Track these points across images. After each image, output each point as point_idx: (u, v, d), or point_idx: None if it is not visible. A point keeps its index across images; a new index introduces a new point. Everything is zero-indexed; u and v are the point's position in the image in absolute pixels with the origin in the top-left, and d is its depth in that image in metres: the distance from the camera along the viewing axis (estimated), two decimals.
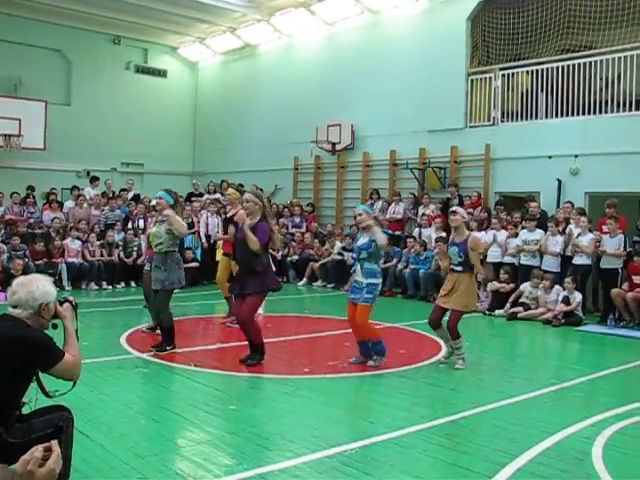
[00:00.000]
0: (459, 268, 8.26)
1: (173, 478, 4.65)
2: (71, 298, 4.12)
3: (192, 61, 24.28)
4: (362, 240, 8.07)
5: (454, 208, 8.69)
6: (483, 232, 13.84)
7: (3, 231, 15.18)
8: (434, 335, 9.16)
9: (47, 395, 3.99)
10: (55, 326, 3.98)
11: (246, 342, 8.14)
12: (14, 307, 3.80)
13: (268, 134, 20.77)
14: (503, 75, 15.51)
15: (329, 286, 16.20)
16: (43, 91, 19.97)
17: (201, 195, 18.90)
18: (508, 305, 12.50)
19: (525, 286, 12.55)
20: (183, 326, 10.34)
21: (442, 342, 8.93)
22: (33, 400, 3.90)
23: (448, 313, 8.32)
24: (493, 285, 12.88)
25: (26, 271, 13.35)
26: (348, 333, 8.78)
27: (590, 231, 12.41)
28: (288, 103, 20.19)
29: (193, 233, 15.93)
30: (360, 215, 8.16)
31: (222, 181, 19.15)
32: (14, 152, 18.81)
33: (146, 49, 23.35)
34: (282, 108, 20.41)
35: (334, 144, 18.43)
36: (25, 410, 3.88)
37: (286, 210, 18.41)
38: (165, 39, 23.04)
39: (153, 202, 8.95)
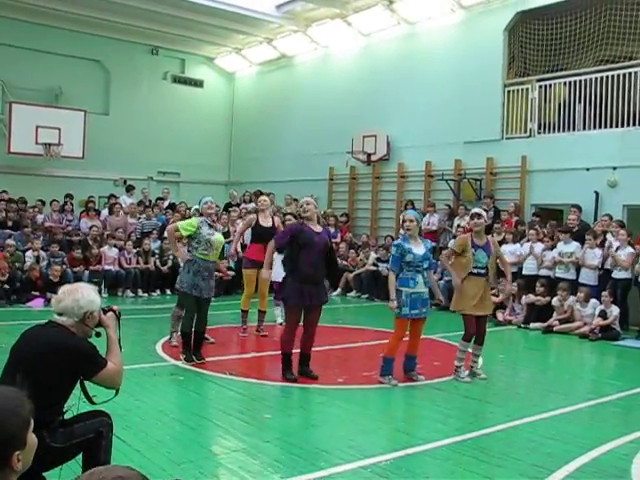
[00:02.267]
0: (483, 271, 8.22)
1: None
2: (115, 307, 4.18)
3: (229, 71, 24.49)
4: (420, 249, 7.78)
5: (477, 210, 8.44)
6: (518, 244, 13.76)
7: (42, 238, 15.42)
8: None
9: (91, 401, 4.05)
10: (98, 334, 4.05)
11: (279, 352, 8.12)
12: (60, 314, 3.87)
13: (303, 144, 20.86)
14: (540, 86, 15.42)
15: (363, 297, 16.19)
16: (82, 101, 20.31)
17: (238, 205, 19.02)
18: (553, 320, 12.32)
19: (555, 300, 12.46)
20: (217, 335, 10.41)
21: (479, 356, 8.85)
22: (75, 406, 3.97)
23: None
24: (528, 298, 12.78)
25: (64, 278, 13.57)
26: (382, 344, 8.76)
27: (629, 244, 12.26)
28: (324, 113, 20.26)
29: (229, 242, 16.01)
30: (412, 222, 7.85)
31: (257, 190, 19.26)
32: (54, 160, 19.15)
33: (183, 59, 23.62)
34: (317, 118, 20.48)
35: (369, 155, 18.45)
36: (67, 415, 3.95)
37: (322, 220, 18.43)
38: (202, 50, 23.28)
39: (201, 206, 8.86)
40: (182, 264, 8.87)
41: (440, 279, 14.70)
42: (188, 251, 8.84)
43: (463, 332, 8.32)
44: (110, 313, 4.10)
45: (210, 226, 8.62)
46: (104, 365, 3.83)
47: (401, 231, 10.69)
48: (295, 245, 7.79)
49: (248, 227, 10.78)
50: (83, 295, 3.89)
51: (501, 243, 14.05)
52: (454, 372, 8.28)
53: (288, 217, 11.24)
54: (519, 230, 14.21)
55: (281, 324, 10.93)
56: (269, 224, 10.56)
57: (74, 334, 3.83)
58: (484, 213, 8.55)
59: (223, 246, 9.05)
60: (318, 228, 7.99)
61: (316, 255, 7.77)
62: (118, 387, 3.97)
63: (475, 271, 8.18)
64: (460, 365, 8.29)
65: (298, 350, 8.06)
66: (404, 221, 8.05)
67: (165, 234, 9.15)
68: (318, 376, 7.93)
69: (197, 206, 10.09)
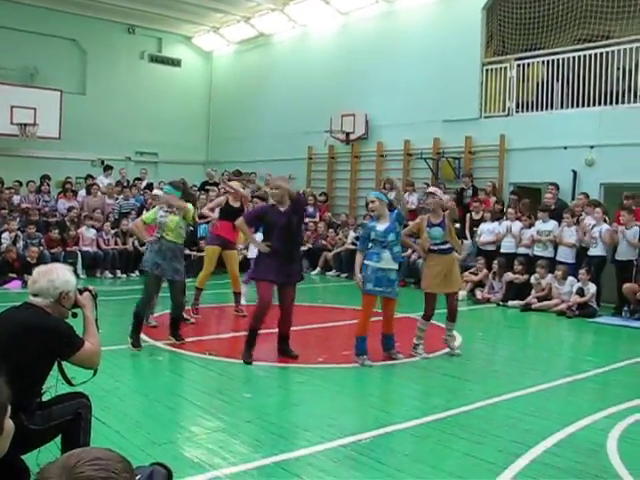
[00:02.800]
0: (446, 247, 8.33)
1: (190, 466, 4.67)
2: (91, 287, 4.15)
3: (206, 50, 24.27)
4: (383, 224, 7.75)
5: (432, 189, 8.72)
6: (496, 222, 13.80)
7: (19, 219, 15.25)
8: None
9: (69, 383, 4.02)
10: (75, 315, 4.01)
11: (262, 331, 8.09)
12: (35, 295, 3.83)
13: (282, 124, 20.76)
14: (518, 65, 15.41)
15: (342, 275, 16.20)
16: (58, 80, 20.01)
17: (216, 184, 18.90)
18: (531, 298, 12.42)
19: (533, 278, 12.54)
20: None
21: (455, 335, 8.90)
22: (53, 387, 3.93)
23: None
24: (507, 276, 12.85)
25: (41, 259, 13.44)
26: None
27: (605, 222, 12.35)
28: (302, 93, 20.15)
29: (207, 222, 15.94)
30: (373, 202, 7.85)
31: (236, 170, 19.16)
32: (30, 141, 18.89)
33: (160, 38, 23.37)
34: (296, 98, 20.38)
35: (348, 134, 18.40)
36: (45, 397, 3.91)
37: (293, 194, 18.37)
38: (179, 28, 23.04)
39: (157, 192, 8.93)
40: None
41: (419, 258, 14.70)
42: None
43: (424, 310, 8.38)
44: (86, 293, 4.06)
45: (165, 212, 8.56)
46: (81, 345, 3.80)
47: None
48: (265, 225, 7.90)
49: (218, 206, 10.81)
50: (58, 275, 3.85)
51: (480, 222, 14.14)
52: (412, 349, 8.31)
53: (255, 200, 11.21)
54: (497, 209, 14.25)
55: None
56: (237, 205, 10.60)
57: (50, 315, 3.79)
58: (438, 192, 8.69)
59: (193, 227, 9.02)
60: (284, 208, 7.85)
61: (286, 234, 7.74)
62: (96, 367, 3.94)
63: (435, 247, 8.31)
64: (418, 343, 8.33)
65: (276, 330, 8.05)
66: (367, 203, 8.08)
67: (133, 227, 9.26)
68: (298, 355, 7.93)
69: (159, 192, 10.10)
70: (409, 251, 15.03)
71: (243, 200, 10.65)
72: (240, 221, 8.13)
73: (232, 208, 10.46)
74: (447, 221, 8.44)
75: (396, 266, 7.88)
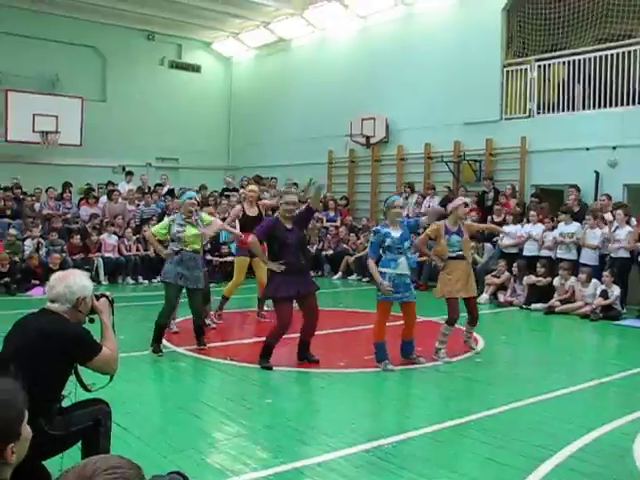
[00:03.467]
0: (462, 253, 8.39)
1: (211, 472, 4.68)
2: (108, 293, 4.17)
3: (226, 56, 24.35)
4: (397, 231, 7.77)
5: (467, 201, 8.94)
6: (519, 225, 13.72)
7: (41, 226, 15.38)
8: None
9: (85, 389, 4.04)
10: (92, 320, 4.04)
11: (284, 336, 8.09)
12: (52, 301, 3.86)
13: (302, 128, 20.78)
14: (539, 66, 15.31)
15: (364, 280, 16.16)
16: (79, 88, 20.16)
17: (236, 190, 18.95)
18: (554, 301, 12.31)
19: (556, 280, 12.44)
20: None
21: (474, 335, 8.88)
22: (72, 393, 3.95)
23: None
24: (529, 279, 12.76)
25: (64, 266, 13.54)
26: None
27: (627, 224, 12.22)
28: (322, 97, 20.17)
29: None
30: (402, 208, 8.03)
31: (256, 175, 19.23)
32: (51, 149, 19.06)
33: (180, 45, 23.47)
34: (316, 102, 20.39)
35: (368, 138, 18.38)
36: (65, 403, 3.93)
37: (320, 204, 18.40)
38: (199, 34, 23.13)
39: (183, 200, 8.80)
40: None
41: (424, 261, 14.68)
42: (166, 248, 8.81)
43: (447, 316, 8.35)
44: (103, 299, 4.08)
45: (181, 224, 8.52)
46: (99, 350, 3.81)
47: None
48: (274, 239, 7.78)
49: (236, 218, 10.74)
50: (75, 281, 3.87)
51: (501, 224, 14.05)
52: (434, 353, 8.29)
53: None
54: (517, 211, 14.16)
55: None
56: (255, 213, 10.63)
57: (67, 320, 3.81)
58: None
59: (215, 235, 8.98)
60: (289, 224, 7.81)
61: (296, 250, 7.77)
62: (113, 373, 3.95)
63: (454, 254, 8.34)
64: (440, 348, 8.31)
65: (297, 335, 8.04)
66: (394, 207, 7.96)
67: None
68: (319, 360, 7.91)
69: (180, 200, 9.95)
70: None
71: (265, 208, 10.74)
72: (253, 240, 7.94)
73: (250, 217, 10.51)
74: (465, 230, 8.51)
75: (410, 271, 7.95)
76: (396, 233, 7.77)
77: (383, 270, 7.74)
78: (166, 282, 8.48)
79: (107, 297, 4.13)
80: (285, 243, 7.68)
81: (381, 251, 7.81)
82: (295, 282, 7.66)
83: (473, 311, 8.53)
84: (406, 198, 16.48)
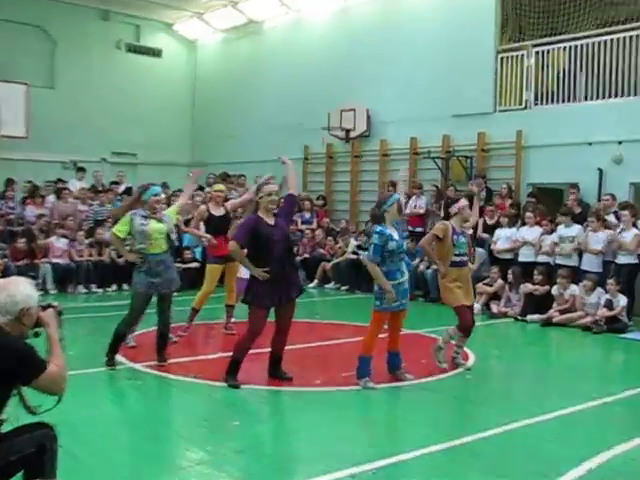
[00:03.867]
0: (466, 258, 8.53)
1: None
2: (55, 303, 4.10)
3: (190, 39, 24.28)
4: (395, 232, 7.75)
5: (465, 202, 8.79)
6: (514, 228, 13.78)
7: None
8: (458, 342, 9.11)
9: (30, 411, 3.97)
10: (37, 334, 3.96)
11: (252, 351, 8.04)
12: None
13: (275, 120, 20.74)
14: (537, 52, 15.40)
15: (343, 288, 16.17)
16: (24, 73, 19.90)
17: (201, 189, 18.88)
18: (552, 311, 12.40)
19: (555, 289, 12.50)
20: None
21: (464, 348, 8.91)
22: (14, 417, 3.88)
23: None
24: (526, 287, 12.81)
25: (6, 272, 13.37)
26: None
27: (634, 226, 12.29)
28: (297, 86, 20.17)
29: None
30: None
31: (223, 172, 19.16)
32: None
33: (138, 26, 23.35)
34: (290, 92, 20.38)
35: (348, 131, 18.39)
36: (4, 428, 3.86)
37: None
38: (159, 14, 23.03)
39: (148, 196, 8.71)
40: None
41: (428, 267, 14.69)
42: (130, 250, 8.72)
43: (459, 323, 8.41)
44: (50, 310, 4.01)
45: (145, 217, 8.43)
46: (45, 368, 3.75)
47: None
48: (255, 241, 7.61)
49: (201, 220, 10.68)
50: (19, 290, 3.81)
51: (494, 227, 14.11)
52: (435, 350, 8.53)
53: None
54: (512, 212, 14.20)
55: None
56: (222, 212, 10.58)
57: (8, 334, 3.74)
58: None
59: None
60: (272, 220, 7.73)
61: (277, 249, 7.59)
62: (61, 394, 3.89)
63: (458, 259, 8.43)
64: (443, 347, 8.51)
65: (267, 350, 8.01)
66: (400, 206, 7.97)
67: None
68: (292, 377, 7.88)
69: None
70: (417, 260, 15.03)
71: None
72: (233, 246, 7.71)
73: (216, 218, 10.48)
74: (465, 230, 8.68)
75: (407, 276, 7.99)
76: (396, 235, 7.76)
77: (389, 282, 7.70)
78: (136, 292, 8.43)
79: (55, 308, 4.06)
80: (270, 240, 7.53)
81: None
82: (278, 289, 7.58)
83: (470, 319, 8.59)
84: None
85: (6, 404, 3.81)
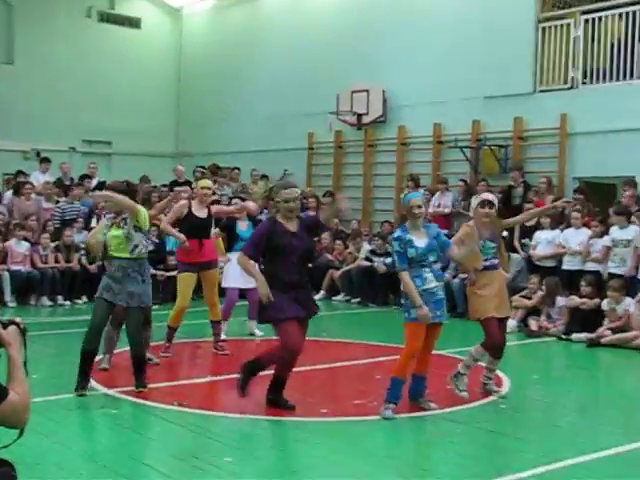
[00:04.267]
0: (496, 261, 8.55)
1: None
2: (18, 320, 4.08)
3: (174, 7, 24.36)
4: (422, 240, 7.78)
5: (491, 198, 8.72)
6: (558, 230, 13.74)
7: None
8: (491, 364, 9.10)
9: None
10: None
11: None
12: None
13: (274, 104, 20.76)
14: (586, 21, 15.40)
15: (353, 300, 16.16)
16: None
17: (188, 183, 18.88)
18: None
19: (605, 303, 12.45)
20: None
21: (496, 372, 8.87)
22: None
23: None
24: (571, 300, 12.78)
25: None
26: (379, 362, 8.72)
27: None
28: (299, 63, 20.19)
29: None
30: (421, 208, 7.91)
31: (212, 164, 19.17)
32: None
33: None
34: (292, 69, 20.41)
35: (360, 116, 18.41)
36: None
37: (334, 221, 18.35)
38: None
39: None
40: None
41: (454, 276, 14.68)
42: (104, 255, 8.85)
43: (484, 339, 8.37)
44: (12, 327, 3.99)
45: (108, 225, 8.61)
46: (5, 395, 3.73)
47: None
48: (268, 250, 7.65)
49: (177, 217, 10.67)
50: None
51: (533, 229, 14.05)
52: (452, 377, 8.44)
53: (235, 201, 11.24)
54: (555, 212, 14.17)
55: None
56: (204, 215, 10.60)
57: None
58: (496, 200, 8.74)
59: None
60: (294, 226, 7.72)
61: (296, 261, 7.66)
62: (23, 426, 3.87)
63: (488, 263, 8.45)
64: (464, 373, 8.41)
65: (268, 373, 8.00)
66: (412, 207, 8.00)
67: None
68: (295, 406, 7.87)
69: None
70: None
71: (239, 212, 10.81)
72: (242, 259, 7.78)
73: (196, 219, 10.49)
74: (497, 231, 8.64)
75: (441, 283, 7.99)
76: (420, 242, 7.77)
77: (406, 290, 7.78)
78: (95, 297, 8.54)
79: (18, 325, 4.04)
80: (288, 250, 7.55)
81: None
82: (300, 301, 7.65)
83: (501, 337, 8.52)
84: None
85: None
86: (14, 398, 3.76)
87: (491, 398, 8.52)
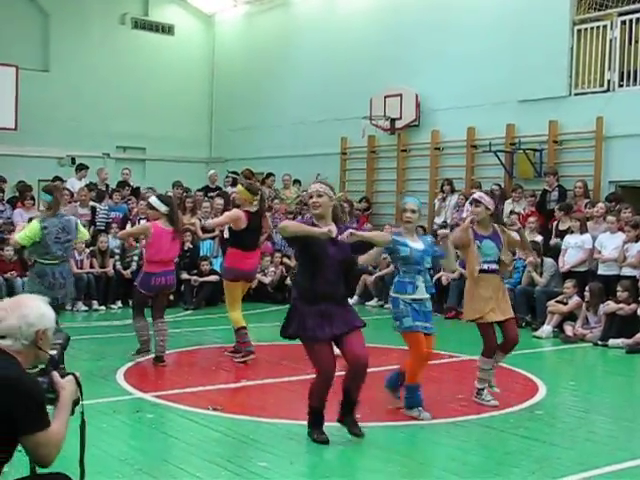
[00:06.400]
0: (495, 266, 8.48)
1: None
2: (77, 373, 4.11)
3: (206, 13, 24.43)
4: (418, 244, 7.91)
5: (477, 196, 8.72)
6: (587, 235, 13.63)
7: None
8: (525, 371, 9.09)
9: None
10: (52, 401, 3.91)
11: (281, 379, 8.06)
12: (1, 337, 3.77)
13: (306, 109, 20.80)
14: (623, 22, 15.30)
15: (387, 306, 16.11)
16: (13, 53, 20.16)
17: (219, 190, 18.95)
18: None
19: None
20: (199, 358, 10.41)
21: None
22: (8, 473, 3.89)
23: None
24: (607, 306, 12.70)
25: None
26: None
27: None
28: (332, 68, 20.20)
29: (213, 238, 15.98)
30: (414, 213, 7.94)
31: (246, 170, 19.20)
32: None
33: None
34: (325, 75, 20.43)
35: (393, 120, 18.39)
36: None
37: (343, 214, 18.32)
38: None
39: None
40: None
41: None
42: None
43: (483, 347, 8.39)
44: (70, 377, 4.03)
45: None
46: (47, 425, 3.73)
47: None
48: (303, 256, 7.15)
49: (228, 224, 10.78)
50: (32, 309, 3.82)
51: (565, 233, 13.95)
52: (475, 395, 8.46)
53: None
54: (586, 216, 14.06)
55: None
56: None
57: (21, 366, 3.74)
58: (486, 198, 8.62)
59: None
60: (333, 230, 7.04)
61: (333, 272, 7.01)
62: (48, 464, 3.83)
63: (486, 266, 8.42)
64: (483, 387, 8.43)
65: (298, 377, 8.00)
66: (405, 210, 8.05)
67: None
68: (364, 434, 7.21)
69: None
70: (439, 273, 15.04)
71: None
72: (285, 223, 7.29)
73: (254, 228, 10.60)
74: (504, 238, 8.58)
75: (428, 296, 8.04)
76: (417, 245, 7.91)
77: (396, 295, 7.92)
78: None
79: (75, 376, 4.08)
80: (323, 255, 6.93)
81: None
82: (329, 317, 6.98)
83: (511, 334, 8.47)
84: (443, 199, 16.49)
85: (12, 455, 3.80)
86: (54, 431, 3.77)
87: (527, 403, 8.51)
